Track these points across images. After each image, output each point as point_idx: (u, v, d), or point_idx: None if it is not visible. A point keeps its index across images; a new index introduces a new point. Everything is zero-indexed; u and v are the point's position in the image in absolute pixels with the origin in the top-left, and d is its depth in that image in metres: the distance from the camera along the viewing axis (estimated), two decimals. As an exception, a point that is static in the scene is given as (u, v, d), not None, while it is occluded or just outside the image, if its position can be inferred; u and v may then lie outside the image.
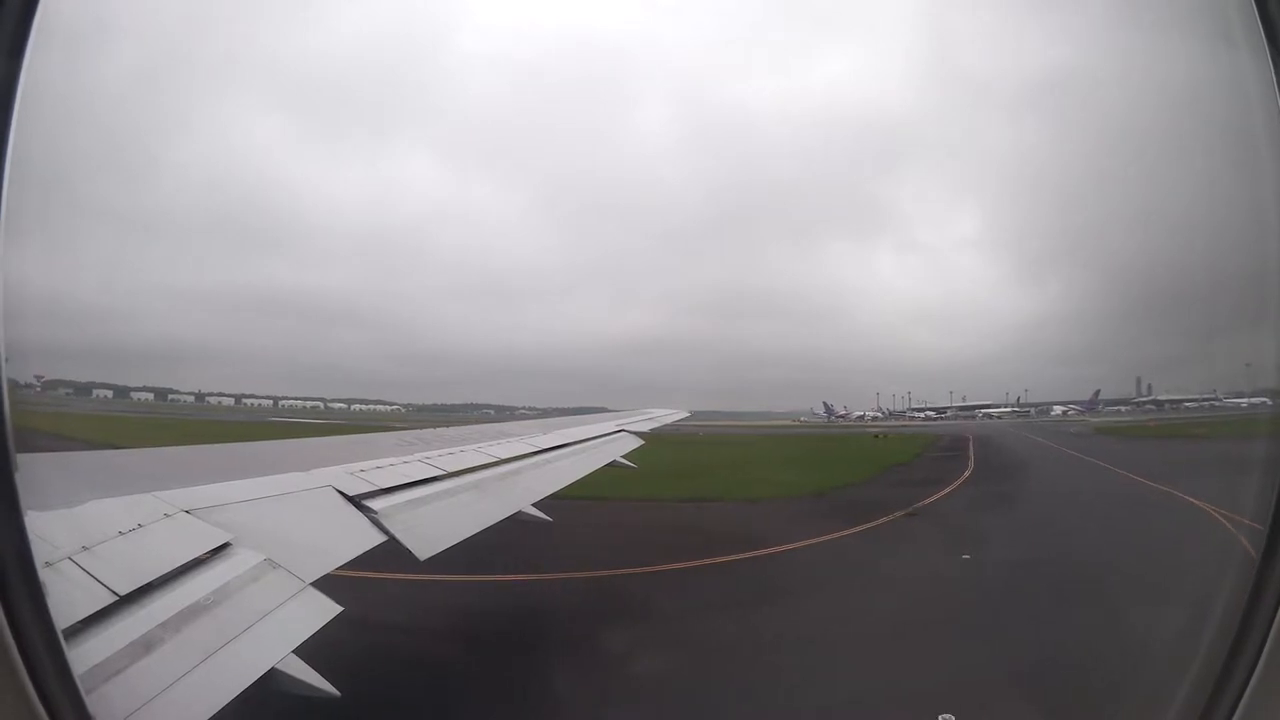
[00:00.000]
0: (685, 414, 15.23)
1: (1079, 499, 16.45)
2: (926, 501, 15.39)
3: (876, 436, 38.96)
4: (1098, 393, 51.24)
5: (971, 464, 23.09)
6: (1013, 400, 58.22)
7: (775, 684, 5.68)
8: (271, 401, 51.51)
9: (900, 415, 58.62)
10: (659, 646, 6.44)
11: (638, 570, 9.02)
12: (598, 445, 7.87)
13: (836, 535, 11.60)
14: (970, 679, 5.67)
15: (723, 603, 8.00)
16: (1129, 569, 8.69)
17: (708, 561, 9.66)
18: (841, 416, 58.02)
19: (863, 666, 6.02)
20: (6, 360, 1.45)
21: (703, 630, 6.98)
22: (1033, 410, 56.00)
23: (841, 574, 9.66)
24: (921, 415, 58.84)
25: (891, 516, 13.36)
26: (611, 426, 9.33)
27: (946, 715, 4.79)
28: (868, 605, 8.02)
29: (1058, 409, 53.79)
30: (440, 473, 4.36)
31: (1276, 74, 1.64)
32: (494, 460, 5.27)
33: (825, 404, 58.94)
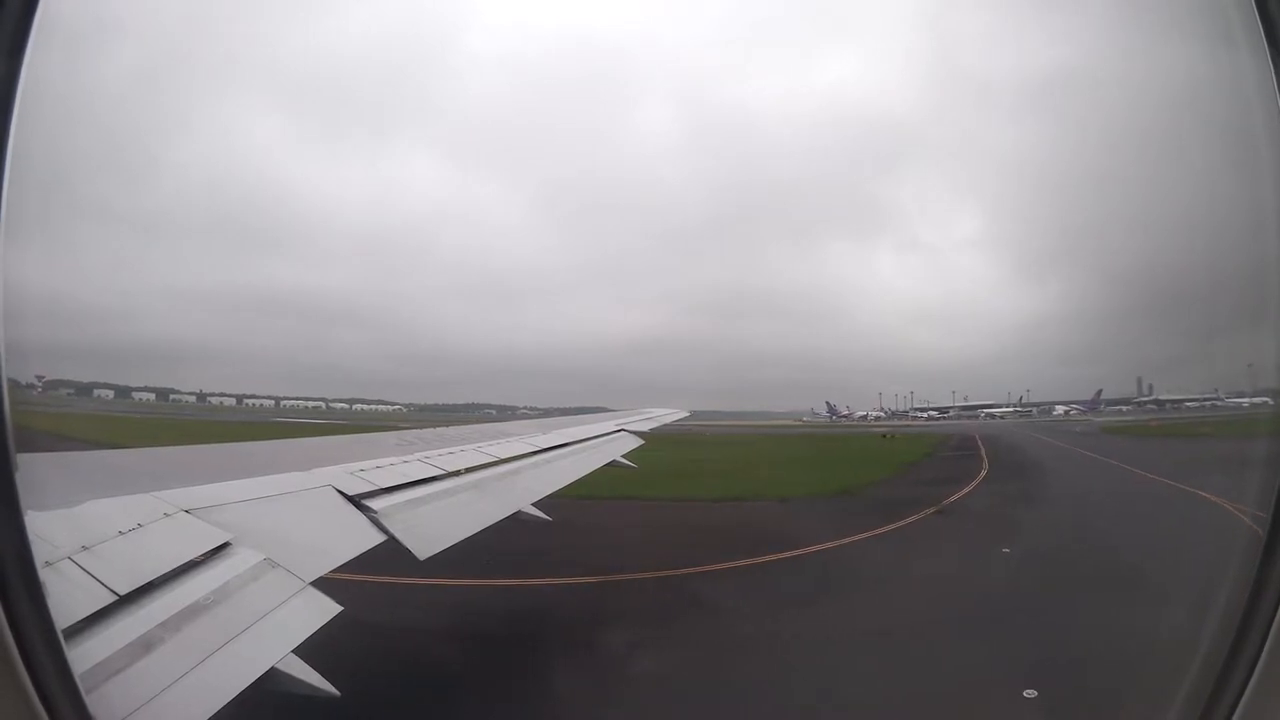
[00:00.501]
0: (685, 414, 15.25)
1: (1100, 496, 16.66)
2: (952, 499, 15.60)
3: (884, 436, 38.91)
4: (1100, 393, 51.22)
5: (985, 463, 23.17)
6: (1015, 400, 58.18)
7: (866, 662, 6.06)
8: (273, 402, 51.55)
9: (903, 415, 58.56)
10: (738, 642, 6.62)
11: (694, 570, 9.09)
12: (597, 445, 7.87)
13: (875, 533, 11.85)
14: (1034, 663, 5.91)
15: (788, 599, 8.25)
16: (1151, 566, 8.72)
17: (761, 560, 9.80)
18: (844, 416, 57.97)
19: (920, 654, 6.29)
20: (6, 360, 1.45)
21: (778, 621, 7.28)
22: (1035, 410, 55.93)
23: (894, 570, 9.91)
24: (925, 415, 58.76)
25: (922, 514, 13.58)
26: (611, 426, 9.33)
27: (1030, 690, 5.10)
28: (923, 598, 8.28)
29: (1060, 409, 53.77)
30: (440, 472, 4.36)
31: (1277, 74, 1.63)
32: (494, 460, 5.27)
33: (828, 404, 58.92)
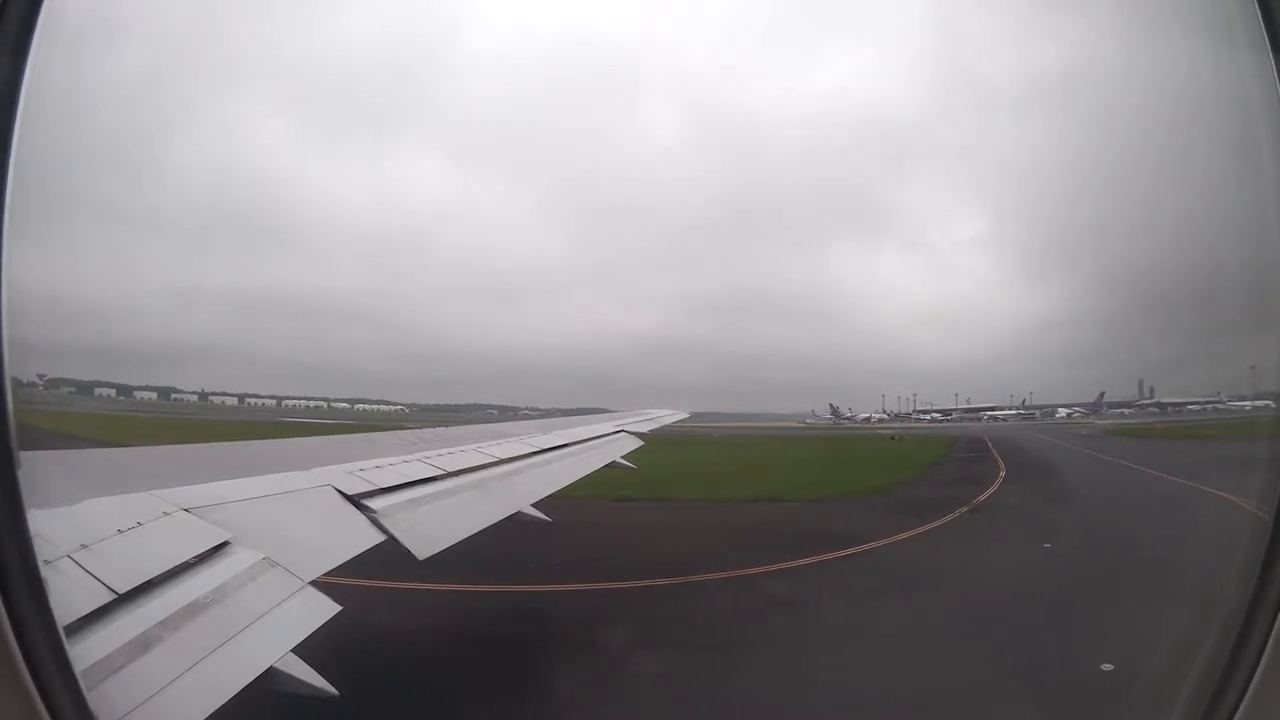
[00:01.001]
0: (684, 414, 15.30)
1: (1119, 495, 17.00)
2: (980, 499, 16.02)
3: (892, 438, 38.74)
4: (1102, 395, 51.07)
5: (1001, 465, 23.33)
6: (1016, 402, 57.98)
7: (963, 645, 6.58)
8: (275, 401, 51.43)
9: (906, 417, 58.33)
10: (819, 633, 7.09)
11: (758, 569, 9.31)
12: (597, 446, 7.87)
13: (916, 532, 12.31)
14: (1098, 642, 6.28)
15: (860, 594, 8.76)
16: (1175, 559, 8.98)
17: (821, 558, 10.11)
18: (848, 418, 57.73)
19: (993, 636, 6.82)
20: (8, 359, 1.45)
21: (857, 613, 7.79)
22: (1038, 413, 55.73)
23: (948, 566, 10.40)
24: (928, 417, 58.49)
25: (957, 513, 14.00)
26: (611, 427, 9.34)
27: (1107, 664, 5.46)
28: (985, 591, 8.81)
29: (1062, 411, 53.59)
30: (439, 472, 4.36)
31: (1279, 75, 1.64)
32: (493, 460, 5.27)
33: (831, 406, 58.54)
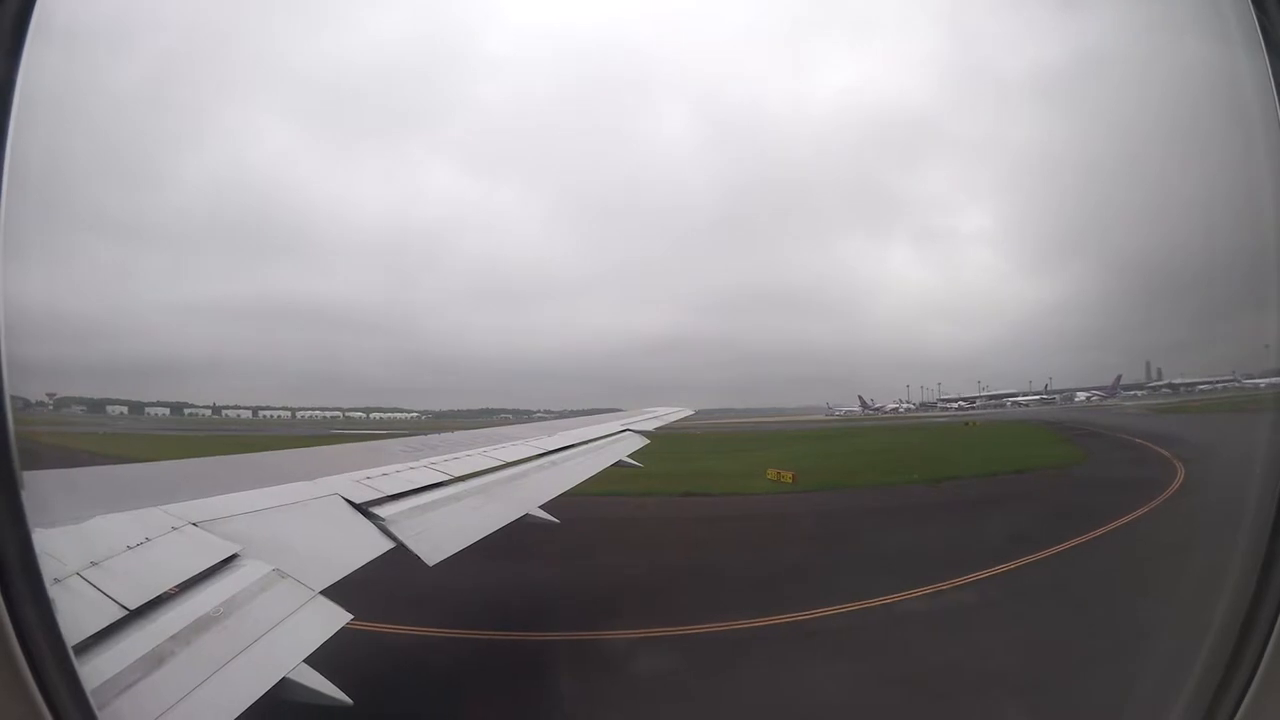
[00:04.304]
0: (689, 412, 15.27)
1: (1255, 444, 18.10)
2: (1174, 453, 17.69)
3: (967, 424, 39.59)
4: (1119, 378, 50.67)
5: (1133, 435, 23.97)
6: (1032, 388, 57.55)
7: None
8: (290, 413, 51.46)
9: (931, 406, 57.91)
10: None
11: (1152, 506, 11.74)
12: (603, 445, 7.86)
13: (1190, 475, 14.08)
14: None
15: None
16: None
17: (1164, 497, 12.09)
18: (877, 410, 57.38)
19: None
20: (11, 378, 1.44)
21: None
22: (1058, 397, 55.29)
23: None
24: (954, 405, 57.97)
25: (1183, 466, 15.66)
26: (617, 426, 9.32)
27: None
28: None
29: (1081, 395, 53.18)
30: (446, 478, 4.36)
31: (1273, 70, 1.71)
32: (500, 464, 5.27)
33: (860, 397, 58.23)
